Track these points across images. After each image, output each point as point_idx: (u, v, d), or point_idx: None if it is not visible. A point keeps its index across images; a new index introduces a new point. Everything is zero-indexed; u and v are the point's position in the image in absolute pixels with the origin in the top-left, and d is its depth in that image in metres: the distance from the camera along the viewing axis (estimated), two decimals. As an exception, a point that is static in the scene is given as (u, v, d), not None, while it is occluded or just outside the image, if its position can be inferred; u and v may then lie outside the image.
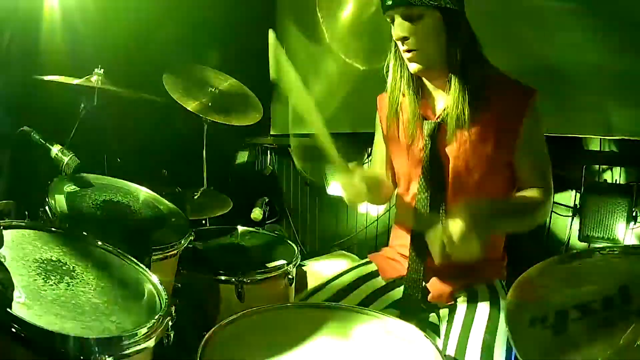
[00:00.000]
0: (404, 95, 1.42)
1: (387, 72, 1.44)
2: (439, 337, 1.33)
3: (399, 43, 1.31)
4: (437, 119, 1.37)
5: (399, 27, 1.26)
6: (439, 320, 1.38)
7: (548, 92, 2.02)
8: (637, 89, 1.88)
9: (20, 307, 0.91)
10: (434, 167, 1.38)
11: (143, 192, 1.73)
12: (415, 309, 1.39)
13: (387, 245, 1.63)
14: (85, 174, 1.62)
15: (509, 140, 1.32)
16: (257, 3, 3.45)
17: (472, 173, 1.35)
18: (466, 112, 1.28)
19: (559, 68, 2.05)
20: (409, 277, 1.42)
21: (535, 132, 1.33)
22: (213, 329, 1.06)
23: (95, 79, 1.98)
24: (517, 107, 1.30)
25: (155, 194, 1.75)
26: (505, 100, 1.30)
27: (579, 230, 2.02)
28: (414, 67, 1.32)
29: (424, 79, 1.40)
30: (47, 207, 1.36)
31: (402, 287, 1.45)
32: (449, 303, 1.38)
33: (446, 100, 1.34)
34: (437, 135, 1.36)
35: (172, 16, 2.98)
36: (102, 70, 2.01)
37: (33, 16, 2.35)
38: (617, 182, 2.02)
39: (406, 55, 1.31)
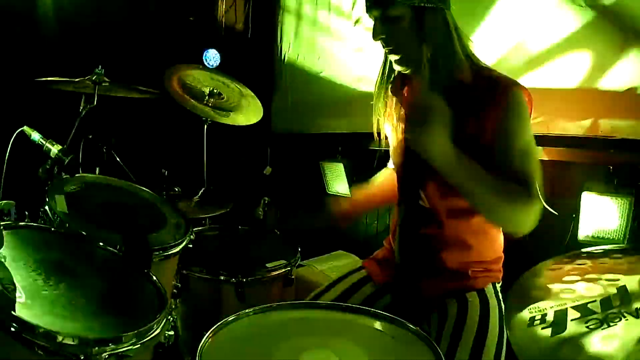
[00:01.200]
0: (391, 94, 1.43)
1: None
2: None
3: (384, 48, 1.31)
4: None
5: (375, 29, 1.27)
6: (430, 327, 1.37)
7: (549, 92, 2.05)
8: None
9: (21, 307, 0.91)
10: (410, 164, 1.38)
11: (143, 192, 1.73)
12: (405, 312, 1.38)
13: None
14: (85, 174, 1.62)
15: (488, 135, 1.23)
16: (258, 3, 3.45)
17: None
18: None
19: (559, 68, 2.05)
20: (400, 278, 1.42)
21: (516, 126, 1.22)
22: (213, 328, 1.06)
23: (95, 78, 1.98)
24: (495, 99, 1.22)
25: (155, 194, 1.76)
26: (486, 94, 1.24)
27: (579, 230, 2.02)
28: (397, 67, 1.33)
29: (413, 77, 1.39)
30: (47, 207, 1.36)
31: (392, 292, 1.45)
32: (439, 305, 1.37)
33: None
34: None
35: (172, 16, 2.98)
36: (102, 70, 2.01)
37: (31, 16, 2.36)
38: (617, 182, 2.02)
39: (389, 56, 1.32)
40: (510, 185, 1.17)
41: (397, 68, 1.34)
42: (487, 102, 1.22)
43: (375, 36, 1.27)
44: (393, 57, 1.31)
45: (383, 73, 1.43)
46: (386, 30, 1.25)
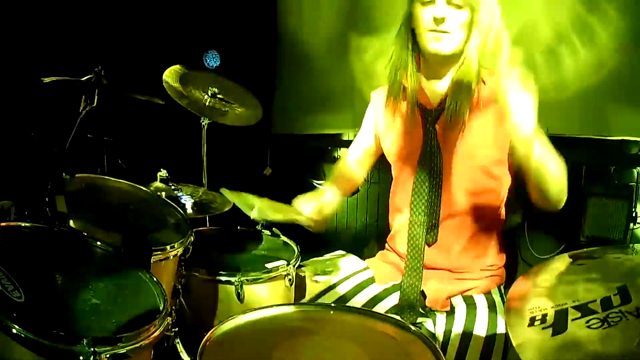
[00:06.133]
0: (405, 83, 1.43)
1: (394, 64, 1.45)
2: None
3: (433, 24, 1.32)
4: (438, 107, 1.39)
5: (442, 8, 1.30)
6: (435, 328, 1.37)
7: (550, 92, 2.05)
8: (637, 89, 1.88)
9: (20, 307, 0.91)
10: (434, 155, 1.39)
11: (143, 192, 1.73)
12: (412, 314, 1.37)
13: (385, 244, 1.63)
14: (85, 174, 1.62)
15: (503, 134, 1.33)
16: (258, 3, 3.45)
17: (468, 163, 1.37)
18: (467, 103, 1.33)
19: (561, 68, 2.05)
20: (406, 281, 1.41)
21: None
22: (213, 329, 1.06)
23: (95, 78, 1.98)
24: None
25: (155, 194, 1.75)
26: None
27: (580, 231, 2.02)
28: (441, 50, 1.33)
29: (423, 67, 1.42)
30: (47, 207, 1.36)
31: (398, 293, 1.44)
32: (446, 309, 1.37)
33: (448, 89, 1.37)
34: (436, 124, 1.39)
35: (172, 16, 2.98)
36: (102, 70, 2.00)
37: (32, 16, 2.36)
38: (617, 182, 2.02)
39: (435, 37, 1.33)
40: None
41: (439, 50, 1.34)
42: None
43: (438, 14, 1.30)
44: (441, 38, 1.32)
45: (401, 63, 1.43)
46: (450, 13, 1.30)
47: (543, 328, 0.68)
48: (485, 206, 1.41)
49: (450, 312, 1.35)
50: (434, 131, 1.39)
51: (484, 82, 1.37)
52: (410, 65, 1.41)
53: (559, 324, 0.68)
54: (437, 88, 1.41)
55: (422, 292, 1.40)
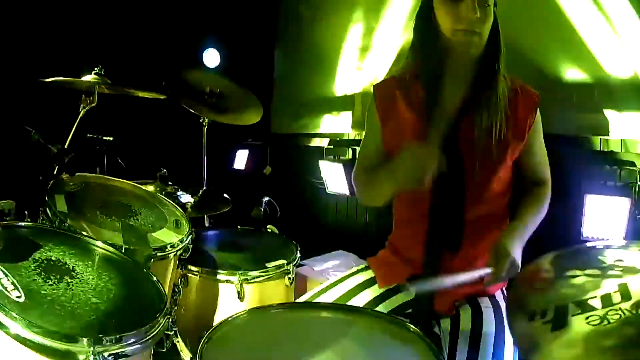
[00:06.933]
0: (421, 82, 1.35)
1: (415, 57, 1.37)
2: (444, 348, 1.27)
3: (464, 24, 1.24)
4: (459, 109, 1.31)
5: (472, 8, 1.23)
6: (441, 332, 1.33)
7: (549, 92, 2.05)
8: (637, 89, 1.88)
9: (20, 306, 0.91)
10: (456, 161, 1.29)
11: (143, 192, 1.73)
12: (418, 317, 1.34)
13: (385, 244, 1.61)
14: (85, 174, 1.62)
15: (518, 139, 1.31)
16: (259, 3, 3.46)
17: (484, 168, 1.30)
18: (500, 109, 1.28)
19: (560, 69, 2.05)
20: (416, 288, 1.37)
21: (539, 133, 1.37)
22: (213, 328, 1.06)
23: (94, 78, 1.98)
24: (527, 108, 1.31)
25: (154, 194, 1.76)
26: (517, 99, 1.31)
27: (579, 230, 2.02)
28: (471, 50, 1.27)
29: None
30: (47, 207, 1.36)
31: (400, 295, 1.41)
32: (451, 313, 1.33)
33: (469, 91, 1.31)
34: (458, 127, 1.30)
35: (172, 15, 2.98)
36: (102, 69, 2.01)
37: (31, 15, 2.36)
38: (617, 182, 2.02)
39: (465, 38, 1.25)
40: (542, 199, 1.37)
41: (468, 49, 1.27)
42: (526, 114, 1.32)
43: (471, 14, 1.22)
44: (472, 38, 1.25)
45: (428, 61, 1.34)
46: (480, 11, 1.23)
47: (543, 323, 0.68)
48: (495, 211, 1.38)
49: (456, 315, 1.32)
50: (455, 135, 1.30)
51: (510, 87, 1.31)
52: (437, 63, 1.31)
53: (559, 319, 0.68)
54: (457, 89, 1.32)
55: (430, 297, 1.37)
